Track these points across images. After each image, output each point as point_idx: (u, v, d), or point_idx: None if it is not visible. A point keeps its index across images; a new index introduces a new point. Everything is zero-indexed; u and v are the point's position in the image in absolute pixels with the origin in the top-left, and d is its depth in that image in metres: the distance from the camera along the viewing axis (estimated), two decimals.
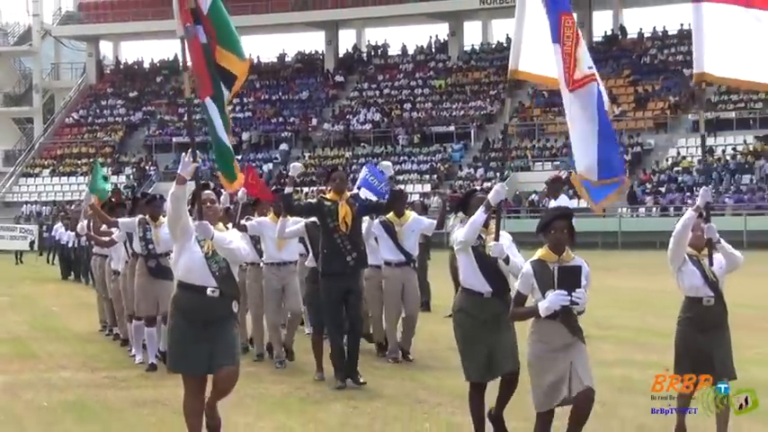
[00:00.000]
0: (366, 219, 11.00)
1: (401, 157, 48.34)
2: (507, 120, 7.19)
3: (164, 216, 11.82)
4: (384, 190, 11.46)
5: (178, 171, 6.43)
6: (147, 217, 11.16)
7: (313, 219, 10.19)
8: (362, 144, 50.09)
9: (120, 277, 12.12)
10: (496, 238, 6.76)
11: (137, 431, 8.58)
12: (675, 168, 40.50)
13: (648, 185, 39.91)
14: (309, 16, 55.69)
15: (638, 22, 53.29)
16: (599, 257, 23.72)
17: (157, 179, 50.97)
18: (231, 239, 6.70)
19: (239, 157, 52.74)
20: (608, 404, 8.77)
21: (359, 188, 11.63)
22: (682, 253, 6.85)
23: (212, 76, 7.01)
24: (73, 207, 43.17)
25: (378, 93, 53.44)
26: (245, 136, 52.94)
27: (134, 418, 9.01)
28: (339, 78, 55.24)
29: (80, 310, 19.32)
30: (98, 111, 58.49)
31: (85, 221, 14.98)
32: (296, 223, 10.68)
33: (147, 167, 52.75)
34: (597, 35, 51.53)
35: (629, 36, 50.28)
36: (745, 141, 40.69)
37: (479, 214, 6.78)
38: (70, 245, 26.58)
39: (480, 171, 45.10)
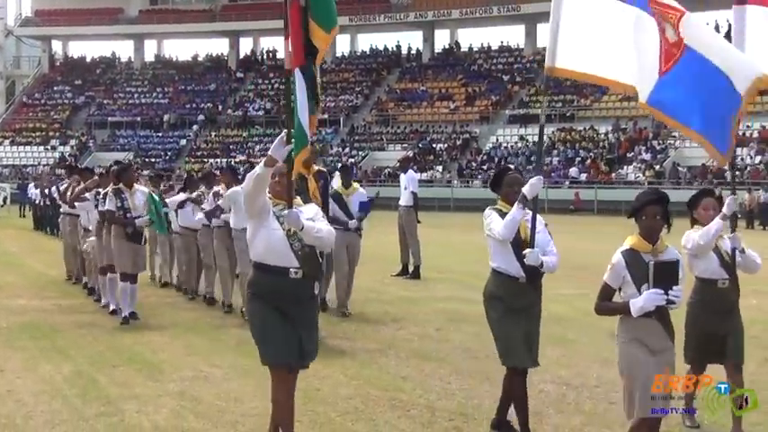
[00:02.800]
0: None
1: None
2: (542, 119, 5.41)
3: (140, 183, 10.58)
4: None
5: (270, 152, 4.62)
6: (121, 185, 9.69)
7: None
8: (257, 126, 49.35)
9: (94, 235, 10.69)
10: (531, 245, 5.05)
11: (77, 345, 8.42)
12: (495, 151, 40.59)
13: (474, 164, 39.91)
14: (216, 26, 54.95)
15: (470, 38, 53.66)
16: (436, 218, 23.75)
17: (95, 150, 49.74)
18: (319, 227, 4.83)
19: (159, 134, 52.07)
20: (442, 330, 8.66)
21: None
22: (707, 252, 5.33)
23: (305, 44, 5.16)
24: (41, 172, 42.51)
25: (269, 87, 52.44)
26: (165, 117, 52.04)
27: (75, 336, 8.91)
28: (240, 75, 54.45)
29: (36, 252, 19.00)
30: (50, 94, 56.55)
31: (54, 187, 13.97)
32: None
33: (86, 141, 51.42)
34: (438, 48, 51.46)
35: (462, 49, 50.00)
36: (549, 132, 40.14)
37: (516, 210, 5.05)
38: (37, 202, 25.12)
39: (347, 150, 44.82)
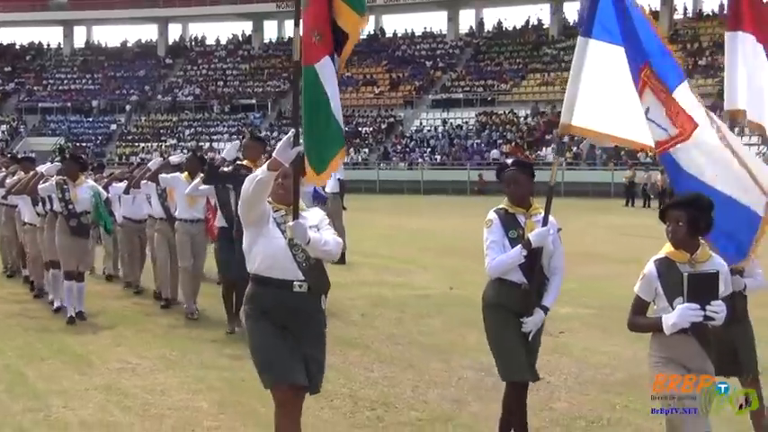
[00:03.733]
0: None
1: (215, 122, 47.85)
2: (552, 182, 4.59)
3: (87, 177, 9.74)
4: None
5: (274, 154, 3.98)
6: (65, 177, 8.90)
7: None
8: (186, 111, 48.78)
9: (37, 229, 9.94)
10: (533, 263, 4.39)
11: (6, 337, 8.17)
12: (418, 135, 40.79)
13: (399, 146, 40.00)
14: (146, 13, 53.27)
15: (394, 25, 54.07)
16: (362, 200, 23.79)
17: (26, 135, 48.68)
18: (326, 239, 4.14)
19: (90, 120, 50.93)
20: (367, 315, 8.57)
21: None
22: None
23: (334, 30, 4.27)
24: None
25: (198, 73, 51.87)
26: (94, 103, 50.82)
27: (4, 327, 8.70)
28: (169, 61, 53.34)
29: None
30: None
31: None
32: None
33: (17, 126, 50.06)
34: (363, 35, 50.76)
35: (387, 35, 50.14)
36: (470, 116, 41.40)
37: (515, 253, 4.39)
38: None
39: (275, 134, 43.83)
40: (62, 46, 56.77)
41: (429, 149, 39.27)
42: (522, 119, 39.41)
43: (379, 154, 40.09)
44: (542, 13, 47.42)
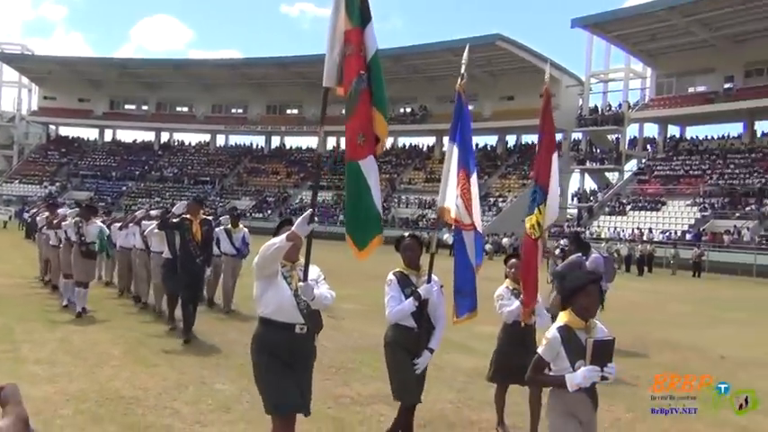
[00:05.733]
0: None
1: (184, 190, 56.84)
2: (432, 249, 4.88)
3: (101, 221, 11.21)
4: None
5: (294, 228, 3.85)
6: (81, 218, 10.08)
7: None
8: (168, 182, 59.55)
9: (60, 251, 10.87)
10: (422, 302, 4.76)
11: (12, 307, 9.90)
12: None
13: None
14: (148, 125, 64.71)
15: None
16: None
17: (71, 189, 57.51)
18: (325, 295, 4.18)
19: (110, 183, 60.57)
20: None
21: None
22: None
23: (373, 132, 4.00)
24: (32, 201, 45.27)
25: (177, 161, 63.03)
26: (113, 173, 60.37)
27: (14, 302, 10.40)
28: (160, 153, 63.15)
29: (13, 249, 22.54)
30: (45, 155, 64.92)
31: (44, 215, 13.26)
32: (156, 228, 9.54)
33: (65, 184, 59.32)
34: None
35: None
36: None
37: (408, 304, 4.71)
38: (28, 220, 26.01)
39: (219, 200, 54.74)
40: (97, 139, 69.04)
41: None
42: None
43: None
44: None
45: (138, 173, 64.02)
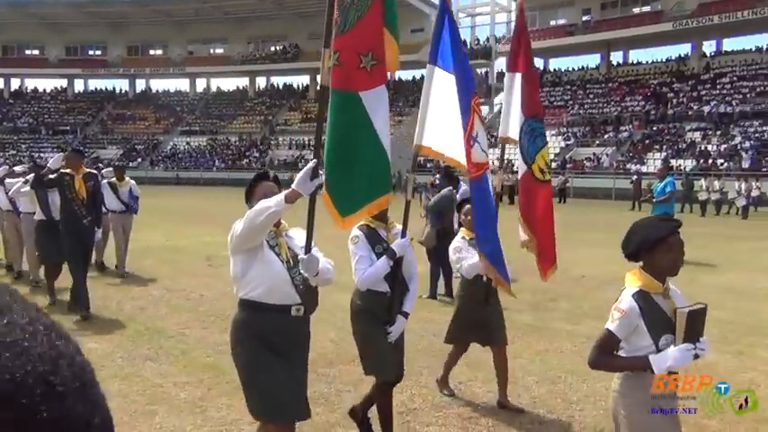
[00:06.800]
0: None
1: (42, 141, 54.71)
2: (407, 196, 4.15)
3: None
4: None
5: (294, 185, 3.04)
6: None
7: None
8: (23, 133, 56.06)
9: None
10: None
11: None
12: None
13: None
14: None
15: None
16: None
17: None
18: (327, 267, 3.36)
19: None
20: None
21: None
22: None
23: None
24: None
25: (32, 110, 59.42)
26: None
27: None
28: (11, 101, 59.68)
29: None
30: None
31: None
32: (25, 186, 8.64)
33: None
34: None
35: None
36: None
37: (383, 263, 3.98)
38: None
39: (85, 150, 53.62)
40: None
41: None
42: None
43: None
44: None
45: None
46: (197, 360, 5.84)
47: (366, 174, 3.26)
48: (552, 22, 49.52)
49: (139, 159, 53.57)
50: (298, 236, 3.44)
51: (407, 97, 53.70)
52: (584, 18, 47.66)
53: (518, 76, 5.12)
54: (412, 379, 5.46)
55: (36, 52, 63.93)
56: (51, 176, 7.59)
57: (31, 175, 8.38)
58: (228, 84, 62.29)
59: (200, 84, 62.59)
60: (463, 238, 5.17)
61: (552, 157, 40.26)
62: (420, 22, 51.30)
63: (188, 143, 55.18)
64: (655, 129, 39.48)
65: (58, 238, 7.65)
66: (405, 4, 49.79)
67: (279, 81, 62.60)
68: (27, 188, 8.52)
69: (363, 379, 4.74)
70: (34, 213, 8.82)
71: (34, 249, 9.12)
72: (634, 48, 47.40)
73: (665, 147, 37.35)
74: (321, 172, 3.16)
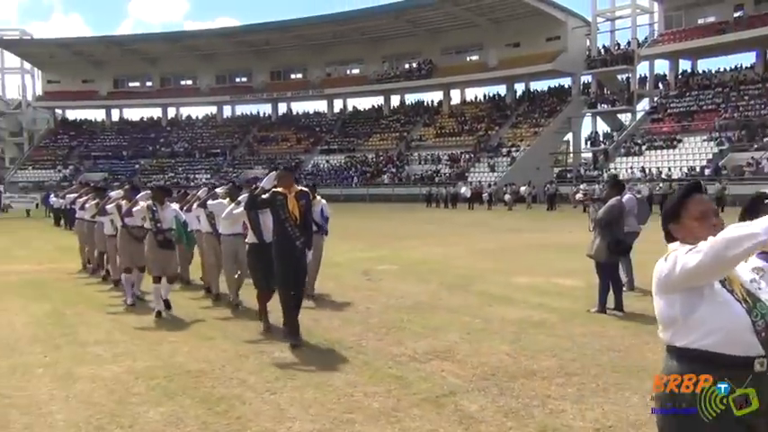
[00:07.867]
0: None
1: (196, 164, 59.64)
2: None
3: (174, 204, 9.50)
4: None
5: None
6: (155, 202, 8.63)
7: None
8: (178, 157, 60.44)
9: (118, 240, 9.48)
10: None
11: (56, 292, 10.07)
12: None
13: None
14: (153, 101, 65.00)
15: None
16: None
17: (84, 171, 57.19)
18: None
19: (122, 162, 57.27)
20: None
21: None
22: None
23: None
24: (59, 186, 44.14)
25: (186, 135, 64.25)
26: (124, 152, 61.93)
27: (56, 286, 10.66)
28: (168, 129, 65.08)
29: (43, 233, 22.99)
30: (54, 140, 65.59)
31: (74, 195, 13.32)
32: (238, 207, 8.29)
33: (78, 166, 59.77)
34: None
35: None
36: None
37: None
38: (56, 207, 24.77)
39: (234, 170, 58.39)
40: (105, 120, 69.43)
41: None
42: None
43: None
44: None
45: (148, 150, 64.96)
46: (381, 371, 5.97)
47: None
48: (700, 21, 46.74)
49: None
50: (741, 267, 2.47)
51: (543, 108, 52.70)
52: (737, 14, 44.65)
53: None
54: (600, 396, 5.30)
55: (189, 82, 68.76)
56: (264, 197, 7.14)
57: (244, 196, 8.10)
58: (364, 103, 64.27)
59: (338, 104, 64.76)
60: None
61: (705, 163, 38.05)
62: (555, 30, 50.22)
63: (327, 161, 57.33)
64: None
65: (271, 263, 7.17)
66: (539, 12, 49.06)
67: (412, 98, 63.49)
68: (240, 209, 8.18)
69: (550, 394, 4.85)
70: (234, 235, 8.78)
71: (233, 272, 8.96)
72: None
73: None
74: None
